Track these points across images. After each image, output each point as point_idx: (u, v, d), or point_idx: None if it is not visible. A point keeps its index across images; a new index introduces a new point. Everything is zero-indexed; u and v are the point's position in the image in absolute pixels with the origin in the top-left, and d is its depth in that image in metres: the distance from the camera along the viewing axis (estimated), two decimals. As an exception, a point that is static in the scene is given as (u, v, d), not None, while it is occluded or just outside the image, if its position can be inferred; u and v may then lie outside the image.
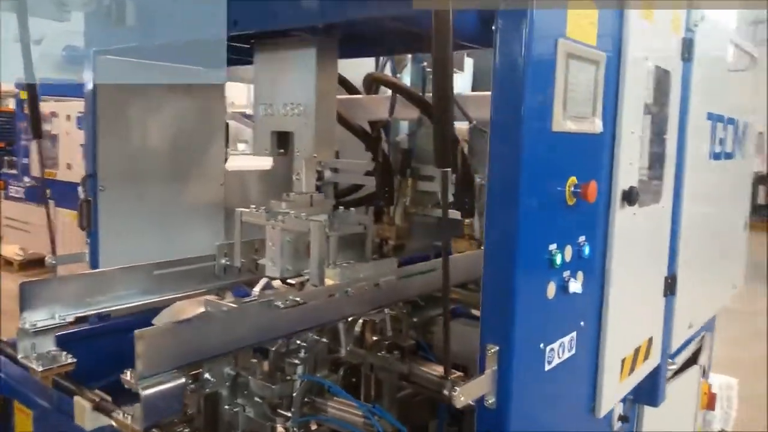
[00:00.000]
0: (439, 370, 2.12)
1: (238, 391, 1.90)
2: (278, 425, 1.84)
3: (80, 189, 2.53)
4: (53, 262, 2.45)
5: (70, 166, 7.82)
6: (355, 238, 2.29)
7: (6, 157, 9.71)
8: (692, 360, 2.96)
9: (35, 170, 8.48)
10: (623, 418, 2.30)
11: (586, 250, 1.63)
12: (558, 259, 1.50)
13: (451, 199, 3.01)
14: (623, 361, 1.94)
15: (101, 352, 2.28)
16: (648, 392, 2.28)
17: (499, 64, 1.39)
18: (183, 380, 1.50)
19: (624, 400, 2.16)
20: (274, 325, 1.71)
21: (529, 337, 1.47)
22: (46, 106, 8.69)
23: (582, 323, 1.71)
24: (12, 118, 10.12)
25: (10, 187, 9.04)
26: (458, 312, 2.87)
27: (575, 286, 1.56)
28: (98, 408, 1.62)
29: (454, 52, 2.86)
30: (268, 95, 2.16)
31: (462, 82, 2.97)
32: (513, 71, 1.38)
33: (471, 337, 2.50)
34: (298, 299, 1.74)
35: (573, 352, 1.67)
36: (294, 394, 1.86)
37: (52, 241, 2.53)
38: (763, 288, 7.84)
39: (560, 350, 1.61)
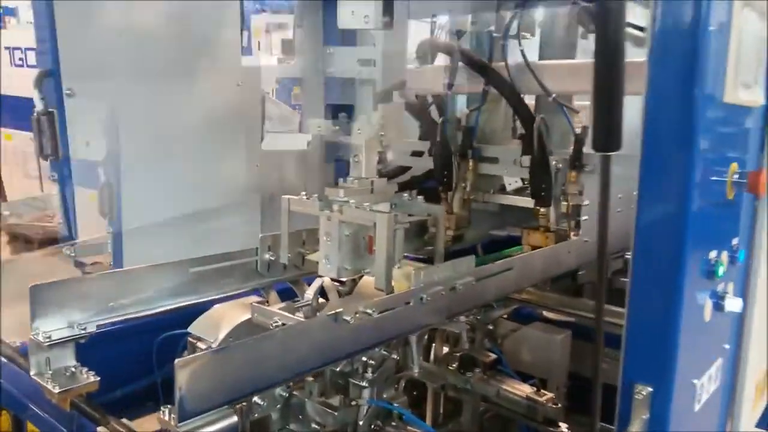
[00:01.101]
0: (523, 389, 1.80)
1: (291, 415, 1.59)
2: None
3: (100, 171, 2.20)
4: (71, 254, 2.14)
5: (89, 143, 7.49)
6: (414, 227, 1.96)
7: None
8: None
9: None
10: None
11: (741, 255, 1.28)
12: (720, 270, 1.16)
13: (519, 184, 2.66)
14: (757, 385, 1.60)
15: (122, 354, 2.01)
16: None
17: (662, 13, 1.03)
18: (235, 420, 1.18)
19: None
20: (341, 342, 1.39)
21: (685, 373, 1.13)
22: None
23: (726, 346, 1.37)
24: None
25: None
26: (525, 314, 2.54)
27: (733, 304, 1.21)
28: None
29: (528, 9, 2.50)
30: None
31: (530, 50, 2.59)
32: (683, 22, 1.02)
33: (548, 345, 2.20)
34: (369, 311, 1.41)
35: (717, 383, 1.33)
36: (360, 422, 1.54)
37: (69, 229, 2.22)
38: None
39: (708, 384, 1.27)
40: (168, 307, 1.78)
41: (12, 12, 6.37)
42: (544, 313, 2.49)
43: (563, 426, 1.71)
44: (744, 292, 1.43)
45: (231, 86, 2.19)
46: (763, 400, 1.72)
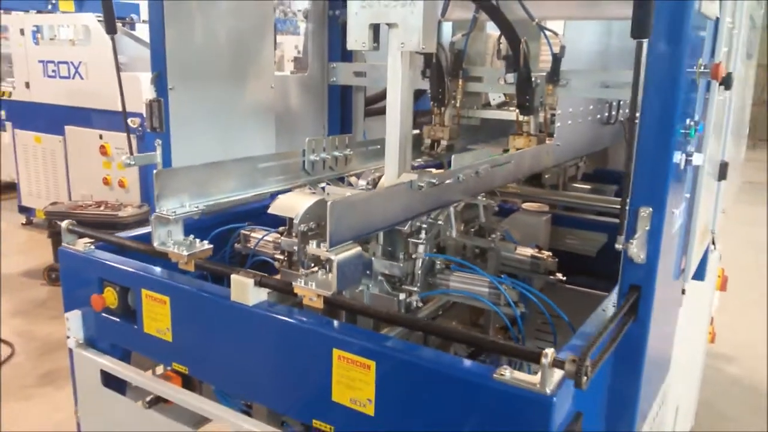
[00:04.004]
0: (527, 250, 2.31)
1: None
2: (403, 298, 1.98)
3: (152, 88, 2.49)
4: (131, 162, 2.43)
5: (28, 84, 7.38)
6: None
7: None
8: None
9: (-15, 90, 7.95)
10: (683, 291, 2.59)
11: (701, 126, 1.80)
12: (692, 133, 1.67)
13: (502, 99, 3.14)
14: (701, 233, 2.18)
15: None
16: (698, 268, 2.54)
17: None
18: (360, 249, 1.60)
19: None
20: (416, 203, 1.83)
21: (670, 201, 1.65)
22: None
23: (687, 195, 1.91)
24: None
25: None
26: (506, 208, 3.05)
27: (698, 159, 1.74)
28: (261, 283, 1.72)
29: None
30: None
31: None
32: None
33: (535, 224, 2.73)
34: (434, 180, 1.85)
35: (681, 220, 1.88)
36: (417, 272, 2.00)
37: (129, 142, 2.50)
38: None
39: (677, 216, 1.80)
40: (246, 195, 2.15)
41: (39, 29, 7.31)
42: (523, 206, 3.03)
43: (559, 274, 2.23)
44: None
45: (267, 87, 2.95)
46: (706, 241, 2.32)
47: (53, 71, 7.00)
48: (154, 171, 1.86)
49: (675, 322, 2.24)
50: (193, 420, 2.00)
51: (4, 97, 7.70)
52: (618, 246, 1.58)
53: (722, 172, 2.48)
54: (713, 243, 3.33)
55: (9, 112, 7.67)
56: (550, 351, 1.30)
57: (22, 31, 7.28)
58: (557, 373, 1.33)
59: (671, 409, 2.94)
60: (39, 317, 5.43)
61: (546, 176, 3.37)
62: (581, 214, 2.99)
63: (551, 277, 2.24)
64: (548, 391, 1.30)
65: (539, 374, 1.32)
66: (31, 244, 7.49)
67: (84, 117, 6.83)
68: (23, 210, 7.92)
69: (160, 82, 2.49)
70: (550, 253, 2.27)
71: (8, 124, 7.67)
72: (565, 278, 2.24)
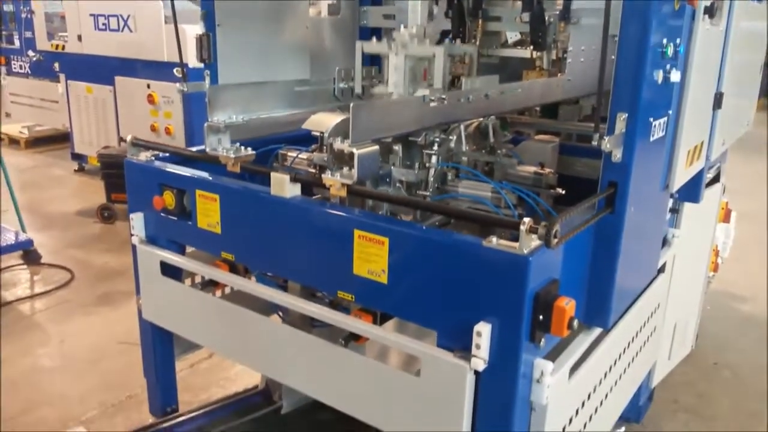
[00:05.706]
0: (530, 168, 2.58)
1: (381, 180, 2.33)
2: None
3: (201, 24, 2.80)
4: (184, 89, 2.76)
5: (81, 37, 7.79)
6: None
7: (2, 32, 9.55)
8: (715, 180, 3.49)
9: (41, 43, 8.42)
10: (673, 210, 2.84)
11: (681, 49, 2.04)
12: (669, 52, 1.91)
13: (518, 38, 3.37)
14: (689, 152, 2.42)
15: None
16: (691, 191, 2.78)
17: None
18: (377, 147, 1.91)
19: (672, 196, 2.65)
20: (428, 115, 2.12)
21: (645, 110, 1.91)
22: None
23: (670, 112, 2.15)
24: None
25: (13, 62, 8.97)
26: (519, 140, 3.32)
27: (675, 76, 1.98)
28: (296, 179, 2.05)
29: None
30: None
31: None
32: None
33: (543, 150, 2.99)
34: (443, 97, 2.14)
35: (663, 133, 2.13)
36: (431, 179, 2.31)
37: (183, 73, 2.83)
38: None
39: (658, 128, 2.06)
40: (284, 114, 2.48)
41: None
42: (536, 137, 3.29)
43: (559, 189, 2.51)
44: (685, 80, 2.20)
45: (303, 27, 3.18)
46: (698, 164, 2.56)
47: (103, 24, 7.40)
48: (208, 87, 2.19)
49: (661, 230, 2.50)
50: (237, 300, 2.37)
51: (58, 50, 8.16)
52: (593, 142, 1.86)
53: (717, 101, 2.70)
54: (718, 178, 3.56)
55: (62, 64, 8.13)
56: (527, 219, 1.60)
57: (74, -13, 7.67)
58: (535, 241, 1.63)
59: (669, 324, 3.22)
60: (94, 249, 5.92)
61: (561, 112, 3.60)
62: (591, 145, 3.23)
63: (552, 191, 2.51)
64: (525, 251, 1.60)
65: (519, 241, 1.62)
66: (83, 187, 8.03)
67: (132, 68, 7.24)
68: (76, 157, 8.45)
69: (208, 19, 2.80)
70: (551, 170, 2.54)
71: (62, 76, 8.15)
72: (563, 192, 2.51)
